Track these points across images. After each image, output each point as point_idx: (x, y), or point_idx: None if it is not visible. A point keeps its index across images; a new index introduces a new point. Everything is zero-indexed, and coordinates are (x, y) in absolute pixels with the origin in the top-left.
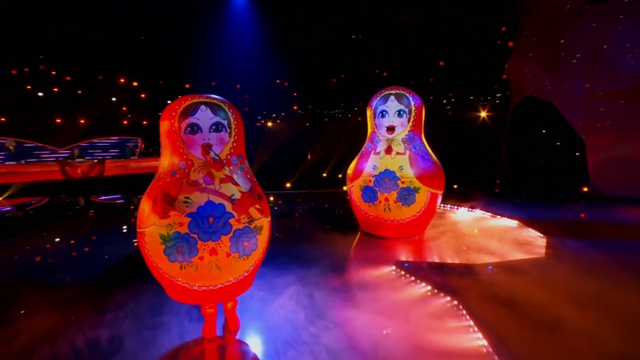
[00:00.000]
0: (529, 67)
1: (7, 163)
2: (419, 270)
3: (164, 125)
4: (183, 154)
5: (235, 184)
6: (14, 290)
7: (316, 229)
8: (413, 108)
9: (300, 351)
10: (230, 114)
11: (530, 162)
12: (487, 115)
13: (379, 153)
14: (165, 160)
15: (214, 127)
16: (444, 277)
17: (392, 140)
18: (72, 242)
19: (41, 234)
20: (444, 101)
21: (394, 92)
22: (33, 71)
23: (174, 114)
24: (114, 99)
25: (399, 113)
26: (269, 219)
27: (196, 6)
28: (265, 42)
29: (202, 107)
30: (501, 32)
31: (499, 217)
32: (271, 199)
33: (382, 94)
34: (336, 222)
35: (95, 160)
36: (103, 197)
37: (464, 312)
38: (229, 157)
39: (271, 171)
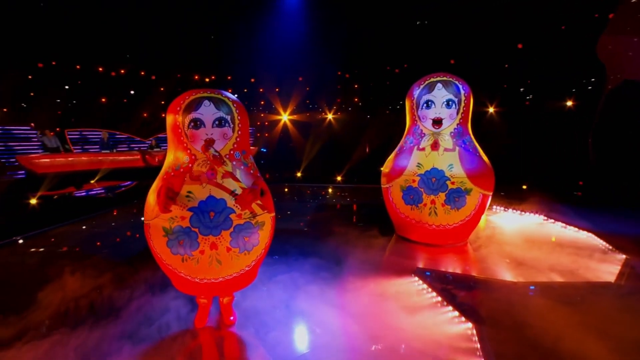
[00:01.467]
0: (629, 43)
1: (101, 152)
2: (441, 281)
3: (169, 120)
4: (187, 148)
5: (237, 179)
6: (70, 259)
7: (348, 226)
8: (463, 97)
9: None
10: (234, 109)
11: (625, 160)
12: (573, 104)
13: (423, 149)
14: (171, 155)
15: (217, 122)
16: (469, 293)
17: (438, 135)
18: (134, 221)
19: (114, 214)
20: (521, 89)
21: (440, 79)
22: (128, 73)
23: (178, 108)
24: None
25: (448, 103)
26: (273, 214)
27: (255, 5)
28: (327, 34)
29: (206, 102)
30: (598, 3)
31: (570, 227)
32: (329, 190)
33: (427, 82)
34: (374, 221)
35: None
36: None
37: (475, 338)
38: (232, 152)
39: (326, 163)
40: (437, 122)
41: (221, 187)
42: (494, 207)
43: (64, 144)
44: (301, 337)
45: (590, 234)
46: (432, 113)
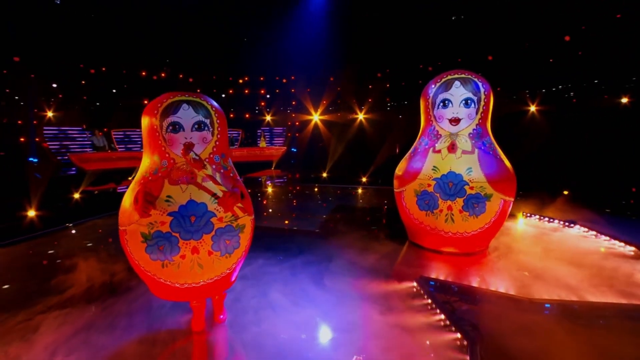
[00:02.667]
0: None
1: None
2: (446, 292)
3: (146, 123)
4: (165, 152)
5: (217, 183)
6: (94, 248)
7: (359, 228)
8: (482, 96)
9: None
10: (212, 113)
11: None
12: (627, 101)
13: (439, 151)
14: (147, 159)
15: (196, 126)
16: (472, 307)
17: (456, 136)
18: None
19: None
20: (568, 85)
21: (458, 76)
22: (169, 76)
23: (155, 112)
24: (223, 95)
25: (466, 102)
26: (252, 217)
27: (287, 6)
28: (358, 33)
29: (184, 105)
30: None
31: (613, 240)
32: (352, 191)
33: (443, 80)
34: (389, 225)
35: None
36: None
37: (467, 358)
38: (211, 155)
39: (354, 164)
40: (455, 122)
41: (204, 189)
42: (526, 213)
43: (110, 143)
44: (267, 325)
45: (633, 249)
46: (449, 113)
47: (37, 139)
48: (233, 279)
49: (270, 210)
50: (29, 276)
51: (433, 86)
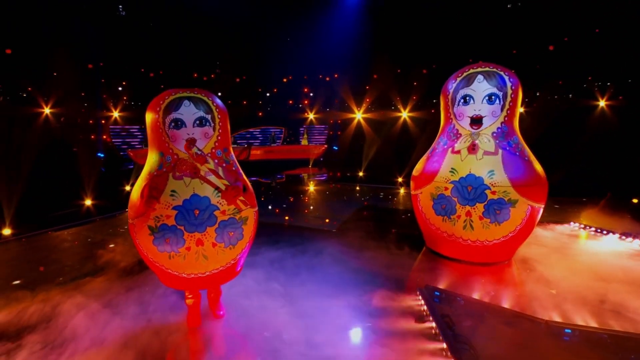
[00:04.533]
0: None
1: None
2: (450, 304)
3: (149, 120)
4: (169, 148)
5: (219, 177)
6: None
7: (377, 231)
8: (509, 91)
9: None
10: (214, 108)
11: None
12: None
13: (458, 152)
14: (153, 154)
15: (197, 122)
16: (477, 324)
17: (477, 135)
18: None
19: None
20: None
21: (482, 70)
22: (216, 77)
23: (158, 109)
24: (268, 94)
25: (490, 98)
26: (256, 209)
27: (330, 6)
28: (402, 27)
29: (186, 102)
30: None
31: None
32: (385, 192)
33: (465, 74)
34: (413, 229)
35: (245, 146)
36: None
37: None
38: (213, 150)
39: (393, 163)
40: (476, 122)
41: (207, 182)
42: (571, 222)
43: None
44: (240, 308)
45: None
46: (471, 110)
47: (104, 137)
48: (238, 269)
49: (295, 207)
50: (75, 255)
51: (453, 81)
